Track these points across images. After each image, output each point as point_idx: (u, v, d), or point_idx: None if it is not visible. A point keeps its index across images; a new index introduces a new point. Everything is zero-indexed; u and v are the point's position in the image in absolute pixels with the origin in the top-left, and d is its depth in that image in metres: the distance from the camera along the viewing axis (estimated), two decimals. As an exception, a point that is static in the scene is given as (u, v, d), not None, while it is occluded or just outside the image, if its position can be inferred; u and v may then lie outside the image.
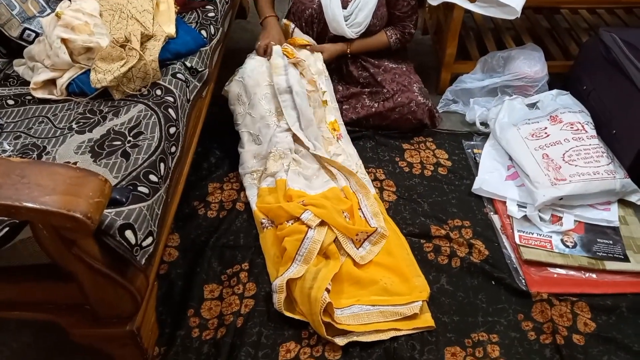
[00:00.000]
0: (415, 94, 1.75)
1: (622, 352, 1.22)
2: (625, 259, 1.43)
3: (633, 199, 1.57)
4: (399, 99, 1.74)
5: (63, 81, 1.32)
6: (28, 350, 1.27)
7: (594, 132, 1.66)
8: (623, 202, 1.58)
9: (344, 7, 1.70)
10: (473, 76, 1.92)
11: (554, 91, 1.82)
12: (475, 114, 1.86)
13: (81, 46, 1.30)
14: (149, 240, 1.03)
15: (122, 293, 1.04)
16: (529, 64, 1.85)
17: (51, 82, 1.35)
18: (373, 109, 1.77)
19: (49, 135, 1.21)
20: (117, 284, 1.00)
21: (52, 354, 1.26)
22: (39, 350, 1.27)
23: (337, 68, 1.84)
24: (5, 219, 0.96)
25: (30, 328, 1.30)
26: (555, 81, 1.89)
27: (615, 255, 1.43)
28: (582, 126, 1.67)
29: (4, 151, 1.17)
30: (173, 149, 1.24)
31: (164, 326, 1.28)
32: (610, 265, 1.40)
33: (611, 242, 1.46)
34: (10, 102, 1.33)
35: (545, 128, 1.66)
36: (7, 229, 0.96)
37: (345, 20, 1.71)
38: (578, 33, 2.17)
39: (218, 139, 1.80)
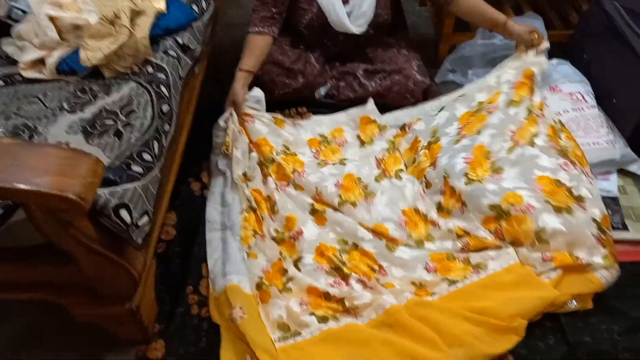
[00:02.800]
0: (414, 71, 1.71)
1: (622, 319, 1.22)
2: (624, 228, 1.43)
3: (632, 168, 1.56)
4: (397, 78, 1.70)
5: (52, 60, 1.29)
6: (30, 329, 1.29)
7: (594, 102, 1.64)
8: (622, 172, 1.57)
9: (345, 1, 1.63)
10: (472, 42, 1.89)
11: (554, 60, 1.79)
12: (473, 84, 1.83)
13: (69, 24, 1.27)
14: (145, 219, 1.03)
15: (120, 272, 1.04)
16: (529, 32, 1.81)
17: (40, 62, 1.32)
18: (370, 89, 1.73)
19: (40, 116, 1.20)
20: (114, 263, 1.01)
21: (54, 331, 1.27)
22: (40, 329, 1.28)
23: (332, 44, 1.79)
24: (-1, 201, 0.96)
25: (32, 307, 1.31)
26: (556, 50, 1.86)
27: (614, 224, 1.42)
28: (582, 96, 1.65)
29: (-5, 132, 1.15)
30: (167, 127, 1.23)
31: (164, 303, 1.28)
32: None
33: (610, 211, 1.45)
34: (0, 82, 1.31)
35: (545, 98, 1.64)
36: (1, 211, 0.95)
37: (348, 16, 1.64)
38: (579, 1, 2.13)
39: (213, 116, 1.77)
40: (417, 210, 1.41)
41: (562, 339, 1.20)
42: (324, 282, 1.28)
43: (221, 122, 1.57)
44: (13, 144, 0.82)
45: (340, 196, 1.45)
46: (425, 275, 1.29)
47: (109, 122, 1.15)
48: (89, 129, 1.14)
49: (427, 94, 1.78)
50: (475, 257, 1.31)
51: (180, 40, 1.41)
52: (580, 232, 1.26)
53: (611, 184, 1.54)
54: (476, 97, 1.60)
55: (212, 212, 1.48)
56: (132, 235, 1.00)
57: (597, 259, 1.25)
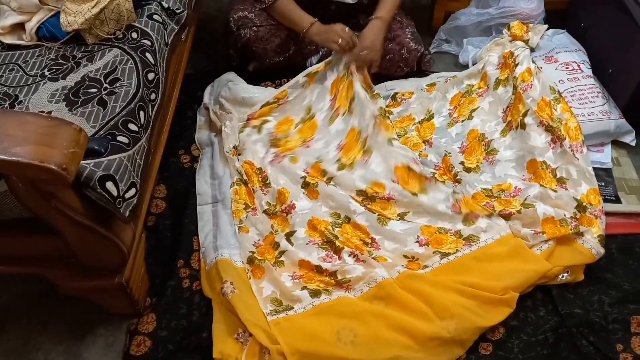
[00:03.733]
0: (408, 39, 1.67)
1: (612, 290, 1.23)
2: (617, 200, 1.42)
3: (627, 139, 1.55)
4: (390, 46, 1.66)
5: (32, 25, 1.24)
6: (18, 301, 1.27)
7: (589, 72, 1.62)
8: (616, 143, 1.56)
9: None
10: (467, 11, 1.84)
11: (550, 31, 1.76)
12: (469, 55, 1.79)
13: (48, -14, 1.21)
14: (132, 191, 1.00)
15: (107, 245, 1.02)
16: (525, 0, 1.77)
17: (20, 27, 1.27)
18: None
19: (21, 84, 1.15)
20: (101, 236, 0.98)
21: (42, 303, 1.25)
22: (29, 302, 1.26)
23: (323, 14, 1.74)
24: (-21, 172, 0.92)
25: (19, 280, 1.29)
26: (552, 18, 1.82)
27: (606, 196, 1.42)
28: (578, 66, 1.62)
29: (-26, 101, 1.11)
30: (153, 96, 1.18)
31: (155, 277, 1.27)
32: (602, 206, 1.40)
33: (603, 183, 1.45)
34: (-22, 49, 1.26)
35: (540, 68, 1.61)
36: (-19, 183, 0.92)
37: None
38: (576, -33, 2.08)
39: (202, 86, 1.73)
40: (410, 168, 1.41)
41: (553, 310, 1.21)
42: (316, 256, 1.27)
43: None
44: (-10, 112, 0.78)
45: (339, 160, 1.45)
46: (417, 249, 1.29)
47: (93, 90, 1.10)
48: (71, 97, 1.09)
49: (421, 63, 1.75)
50: (466, 230, 1.31)
51: (165, 4, 1.35)
52: (564, 203, 1.31)
53: (605, 155, 1.53)
54: (465, 82, 1.66)
55: (202, 185, 1.45)
56: (119, 208, 0.97)
57: (585, 229, 1.28)
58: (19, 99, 1.11)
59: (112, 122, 1.04)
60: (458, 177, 1.41)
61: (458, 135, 1.55)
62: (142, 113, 1.11)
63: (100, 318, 1.21)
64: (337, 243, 1.27)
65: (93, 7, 1.18)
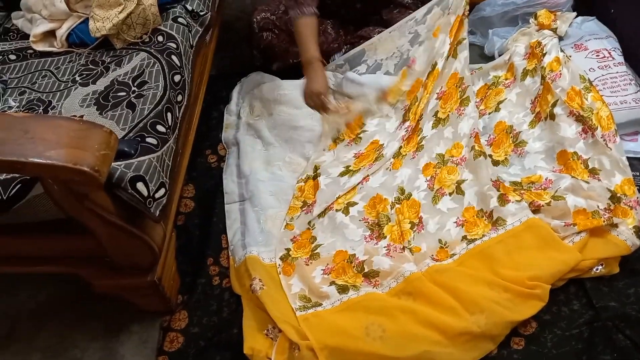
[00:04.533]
0: None
1: (649, 284, 1.20)
2: (653, 191, 1.38)
3: (662, 127, 1.49)
4: None
5: (62, 32, 1.28)
6: (54, 300, 1.31)
7: (621, 59, 1.57)
8: (651, 132, 1.50)
9: None
10: (492, 1, 1.81)
11: (579, 18, 1.71)
12: (495, 46, 1.76)
13: (77, -6, 1.25)
14: (162, 191, 1.02)
15: (139, 244, 1.04)
16: (552, -13, 1.73)
17: (51, 34, 1.31)
18: None
19: (54, 89, 1.19)
20: (133, 235, 1.01)
21: (78, 302, 1.29)
22: (64, 300, 1.30)
23: (345, 11, 1.73)
24: (17, 175, 0.95)
25: (55, 279, 1.33)
26: (580, 5, 1.77)
27: (641, 186, 1.38)
28: (609, 53, 1.57)
29: (10, 108, 1.15)
30: (179, 97, 1.21)
31: (185, 275, 1.29)
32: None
33: (638, 173, 1.40)
34: (12, 57, 1.31)
35: (569, 57, 1.57)
36: (19, 185, 0.95)
37: None
38: (605, -48, 2.01)
39: (227, 86, 1.75)
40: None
41: (587, 304, 1.18)
42: (361, 233, 1.31)
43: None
44: (24, 117, 0.81)
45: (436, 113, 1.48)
46: (452, 230, 1.29)
47: (122, 93, 1.13)
48: (102, 101, 1.12)
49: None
50: (496, 212, 1.28)
51: (189, 7, 1.38)
52: (596, 195, 1.27)
53: (639, 144, 1.48)
54: (491, 73, 1.64)
55: (230, 184, 1.47)
56: (150, 207, 1.00)
57: (619, 220, 1.24)
58: (52, 104, 1.15)
59: (140, 124, 1.07)
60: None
61: (485, 127, 1.52)
62: (169, 115, 1.13)
63: (134, 316, 1.25)
64: (384, 231, 1.30)
65: (120, 12, 1.21)
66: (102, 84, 1.17)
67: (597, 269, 1.21)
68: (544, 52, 1.53)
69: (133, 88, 1.14)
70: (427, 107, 1.51)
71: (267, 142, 1.55)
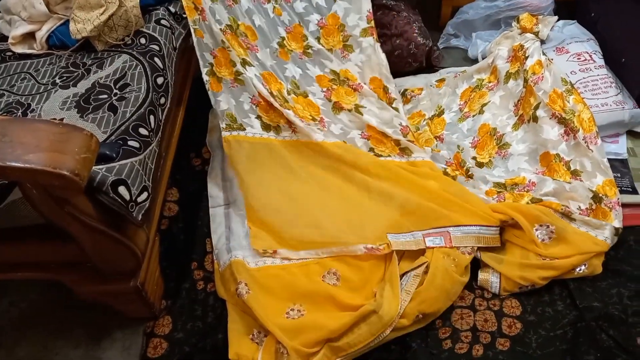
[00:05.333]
0: (415, 34, 1.67)
1: (631, 283, 1.21)
2: (634, 192, 1.40)
3: (642, 129, 1.52)
4: (398, 41, 1.66)
5: (42, 34, 1.25)
6: (36, 307, 1.28)
7: (602, 62, 1.59)
8: (631, 134, 1.52)
9: None
10: (475, 4, 1.83)
11: (560, 22, 1.73)
12: (478, 49, 1.78)
13: (57, -5, 1.23)
14: (144, 195, 1.01)
15: (122, 250, 1.02)
16: (534, -9, 1.75)
17: (30, 36, 1.29)
18: None
19: (33, 92, 1.16)
20: (115, 240, 0.99)
21: (60, 309, 1.27)
22: (46, 307, 1.28)
23: None
24: (-6, 180, 0.93)
25: (37, 286, 1.31)
26: (562, 9, 1.80)
27: (623, 188, 1.39)
28: (590, 56, 1.60)
29: (-12, 111, 1.12)
30: (162, 100, 1.19)
31: (169, 280, 1.28)
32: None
33: (619, 174, 1.42)
34: (-10, 59, 1.28)
35: (551, 60, 1.59)
36: (-3, 190, 0.93)
37: None
38: (586, -44, 2.05)
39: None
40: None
41: (571, 304, 1.19)
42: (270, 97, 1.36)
43: None
44: (2, 120, 0.79)
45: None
46: (358, 140, 1.41)
47: (103, 96, 1.12)
48: (82, 104, 1.10)
49: (430, 58, 1.73)
50: (404, 144, 1.42)
51: (173, 9, 1.36)
52: (578, 195, 1.29)
53: (620, 146, 1.50)
54: (475, 76, 1.66)
55: (214, 187, 1.46)
56: (132, 212, 0.98)
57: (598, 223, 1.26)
58: (31, 107, 1.13)
59: (122, 127, 1.05)
60: (470, 173, 1.39)
61: (469, 130, 1.54)
62: (152, 117, 1.12)
63: (117, 322, 1.23)
64: (288, 106, 1.37)
65: (101, 14, 1.19)
66: (83, 86, 1.15)
67: (580, 269, 1.22)
68: (527, 55, 1.55)
69: (115, 90, 1.13)
70: None
71: None
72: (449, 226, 1.25)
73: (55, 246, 1.07)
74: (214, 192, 1.45)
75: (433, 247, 1.22)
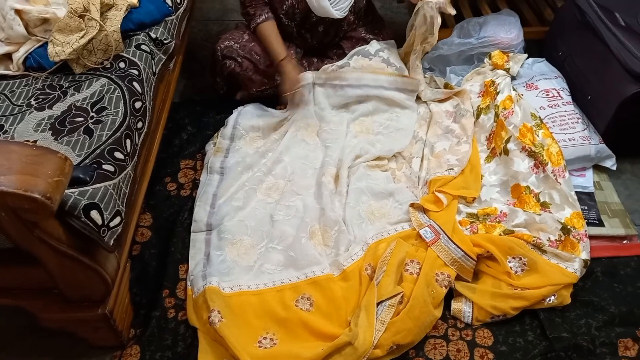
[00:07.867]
0: None
1: (599, 314, 1.24)
2: (600, 224, 1.44)
3: (607, 164, 1.58)
4: None
5: (19, 55, 1.25)
6: (1, 335, 1.23)
7: (569, 98, 1.66)
8: (597, 168, 1.58)
9: None
10: (449, 41, 1.89)
11: (530, 59, 1.81)
12: (452, 83, 1.83)
13: (37, 17, 1.23)
14: (117, 220, 0.99)
15: (91, 275, 1.00)
16: (505, 29, 1.82)
17: (7, 57, 1.28)
18: None
19: (7, 113, 1.15)
20: (85, 266, 0.97)
21: (23, 337, 1.22)
22: (10, 334, 1.23)
23: (309, 35, 1.77)
24: (-40, 202, 0.91)
25: (1, 311, 1.26)
26: (531, 47, 1.88)
27: (590, 220, 1.44)
28: (558, 92, 1.66)
29: (-42, 131, 1.10)
30: (140, 124, 1.19)
31: (139, 307, 1.25)
32: (586, 230, 1.42)
33: (586, 207, 1.47)
34: (-36, 79, 1.26)
35: (521, 95, 1.65)
36: (-37, 212, 0.90)
37: (329, 1, 1.61)
38: (553, -2, 2.15)
39: (189, 113, 1.74)
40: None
41: (541, 334, 1.21)
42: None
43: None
44: (-26, 141, 0.78)
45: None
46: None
47: (79, 119, 1.11)
48: (57, 126, 1.09)
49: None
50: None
51: (153, 35, 1.37)
52: (548, 227, 1.33)
53: (587, 180, 1.55)
54: None
55: (201, 212, 1.42)
56: (104, 237, 0.97)
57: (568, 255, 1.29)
58: (4, 129, 1.11)
59: (97, 151, 1.04)
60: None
61: None
62: (128, 141, 1.11)
63: (83, 351, 1.19)
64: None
65: (81, 37, 1.19)
66: (58, 108, 1.14)
67: (550, 300, 1.24)
68: (498, 90, 1.60)
69: (91, 114, 1.12)
70: None
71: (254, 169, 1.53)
72: (445, 233, 1.30)
73: (20, 271, 1.04)
74: (199, 216, 1.41)
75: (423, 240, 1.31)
